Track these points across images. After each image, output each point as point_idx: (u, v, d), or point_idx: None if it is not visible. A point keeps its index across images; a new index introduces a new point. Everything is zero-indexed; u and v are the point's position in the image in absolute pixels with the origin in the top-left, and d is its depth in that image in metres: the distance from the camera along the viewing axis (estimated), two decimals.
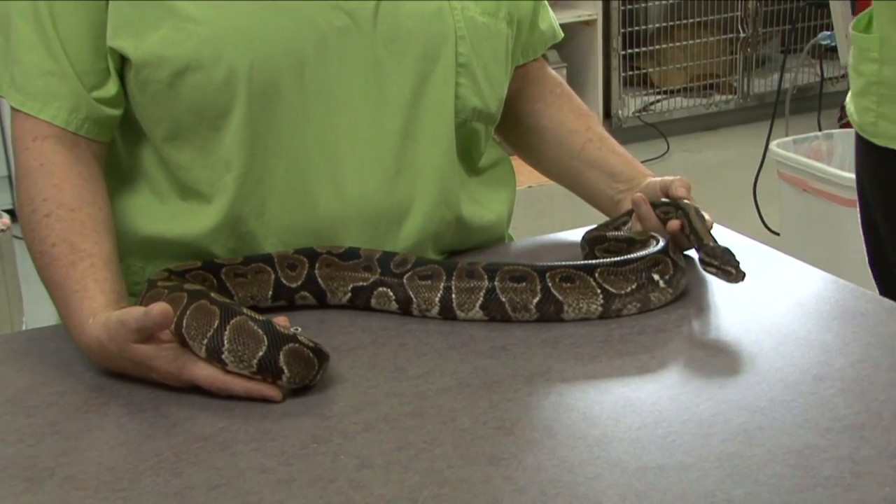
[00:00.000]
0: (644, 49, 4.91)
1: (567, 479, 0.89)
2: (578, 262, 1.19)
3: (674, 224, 1.25)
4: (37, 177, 1.19)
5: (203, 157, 1.24)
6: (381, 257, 1.23)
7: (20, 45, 1.21)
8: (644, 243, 1.24)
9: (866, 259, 1.90)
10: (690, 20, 4.92)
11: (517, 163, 1.49)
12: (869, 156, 1.79)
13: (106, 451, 0.98)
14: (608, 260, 1.20)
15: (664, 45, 4.94)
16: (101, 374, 1.11)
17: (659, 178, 1.34)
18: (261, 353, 1.03)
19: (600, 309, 1.18)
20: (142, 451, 0.97)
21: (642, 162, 1.46)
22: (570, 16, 4.65)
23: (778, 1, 5.03)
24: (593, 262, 1.19)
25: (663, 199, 1.31)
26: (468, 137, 1.34)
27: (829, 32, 3.92)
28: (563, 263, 1.19)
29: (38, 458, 0.97)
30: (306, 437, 0.98)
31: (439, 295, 1.20)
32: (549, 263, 1.19)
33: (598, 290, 1.17)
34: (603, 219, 1.39)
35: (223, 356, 1.03)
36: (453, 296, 1.19)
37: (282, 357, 1.03)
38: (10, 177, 3.96)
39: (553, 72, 1.49)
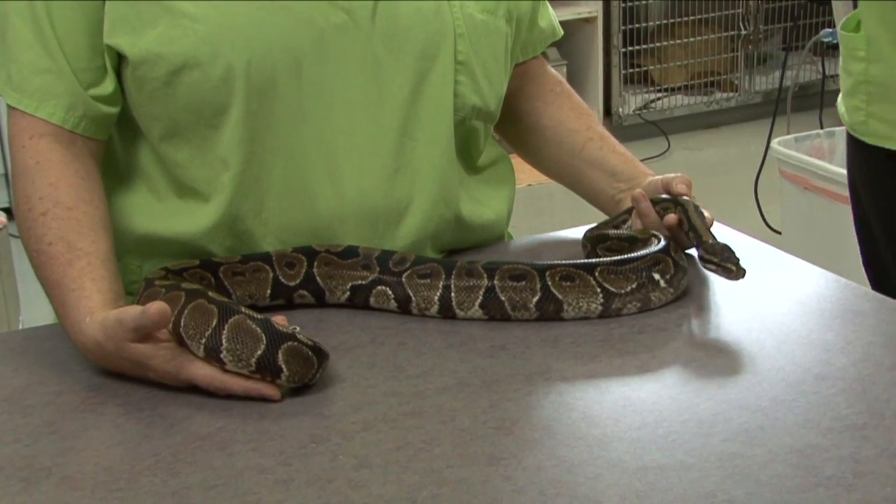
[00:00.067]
0: (645, 46, 4.90)
1: (567, 479, 0.89)
2: (578, 261, 1.19)
3: (671, 218, 1.24)
4: (33, 175, 1.19)
5: (200, 155, 1.23)
6: (380, 256, 1.23)
7: (17, 43, 1.20)
8: (645, 242, 1.24)
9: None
10: (691, 17, 4.91)
11: (517, 161, 1.48)
12: (860, 155, 1.79)
13: (103, 451, 0.98)
14: (608, 259, 1.19)
15: (665, 43, 4.92)
16: (98, 373, 1.11)
17: (660, 176, 1.33)
18: (259, 352, 1.02)
19: (600, 308, 1.17)
20: (139, 450, 0.96)
21: (643, 160, 1.46)
22: (570, 13, 4.65)
23: None
24: (593, 260, 1.19)
25: (663, 196, 1.30)
26: (467, 136, 1.34)
27: (830, 30, 3.91)
28: (563, 262, 1.18)
29: (34, 457, 0.96)
30: (304, 436, 0.97)
31: (438, 294, 1.19)
32: (548, 262, 1.19)
33: (598, 289, 1.17)
34: (603, 218, 1.39)
35: (222, 355, 1.03)
36: (452, 294, 1.19)
37: (280, 356, 1.02)
38: (6, 175, 3.95)
39: (553, 70, 1.49)
